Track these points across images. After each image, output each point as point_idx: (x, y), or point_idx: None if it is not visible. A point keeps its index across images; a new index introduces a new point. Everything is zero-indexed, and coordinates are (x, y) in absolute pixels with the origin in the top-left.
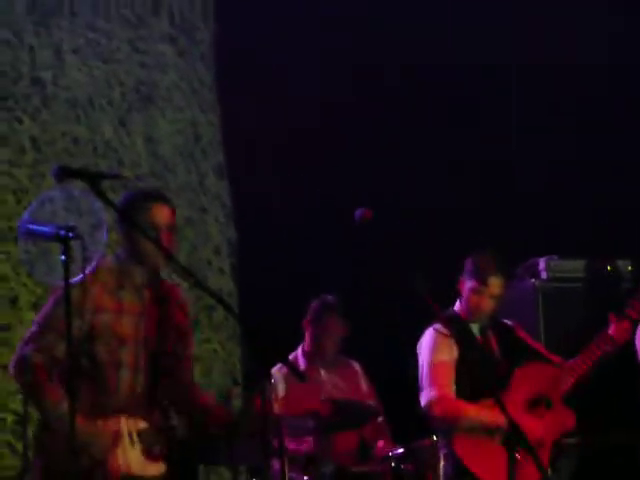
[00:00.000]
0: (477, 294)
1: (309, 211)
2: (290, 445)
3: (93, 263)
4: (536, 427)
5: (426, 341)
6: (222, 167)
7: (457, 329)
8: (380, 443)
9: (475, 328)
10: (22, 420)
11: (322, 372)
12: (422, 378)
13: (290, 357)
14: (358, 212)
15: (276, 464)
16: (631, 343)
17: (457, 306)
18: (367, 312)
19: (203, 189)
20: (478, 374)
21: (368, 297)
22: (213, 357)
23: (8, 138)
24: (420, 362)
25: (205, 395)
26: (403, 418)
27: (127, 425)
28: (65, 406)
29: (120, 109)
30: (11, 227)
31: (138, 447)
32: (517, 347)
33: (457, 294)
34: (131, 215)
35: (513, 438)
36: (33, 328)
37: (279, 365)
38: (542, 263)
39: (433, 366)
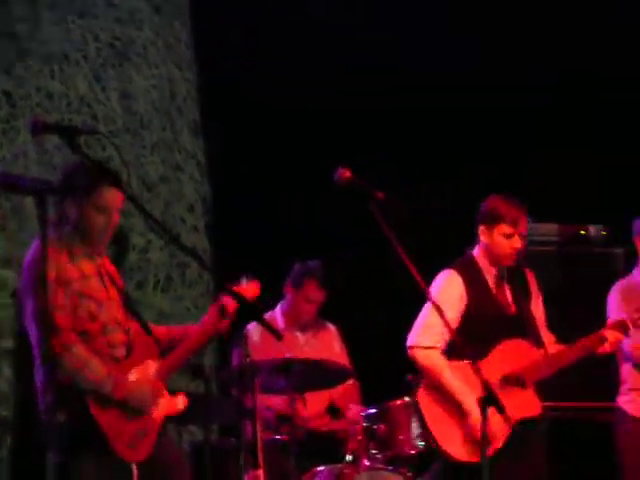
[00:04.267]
0: (508, 237)
1: (286, 168)
2: (262, 404)
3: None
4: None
5: (438, 282)
6: (197, 124)
7: (471, 277)
8: (351, 406)
9: (490, 276)
10: None
11: (297, 333)
12: (420, 315)
13: (267, 315)
14: (336, 171)
15: (248, 424)
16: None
17: (476, 251)
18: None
19: (178, 146)
20: (482, 329)
21: (346, 262)
22: (186, 315)
23: None
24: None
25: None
26: (376, 380)
27: (150, 369)
28: (114, 372)
29: (95, 64)
30: None
31: (163, 387)
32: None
33: (473, 240)
34: (83, 190)
35: (489, 403)
36: (39, 321)
37: (254, 323)
38: None
39: (434, 310)
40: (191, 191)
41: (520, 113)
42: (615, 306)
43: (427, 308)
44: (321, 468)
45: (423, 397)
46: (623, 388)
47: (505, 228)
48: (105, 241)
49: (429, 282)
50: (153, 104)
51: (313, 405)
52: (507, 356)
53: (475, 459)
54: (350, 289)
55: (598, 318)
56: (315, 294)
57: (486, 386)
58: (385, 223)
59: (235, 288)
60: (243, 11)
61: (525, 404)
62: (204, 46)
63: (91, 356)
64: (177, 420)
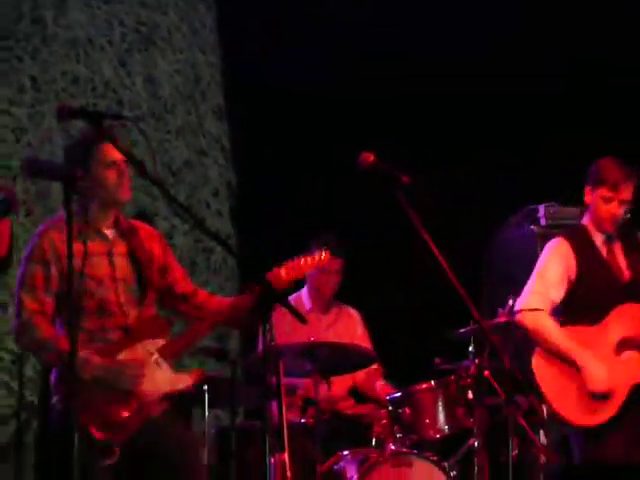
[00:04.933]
0: (607, 202)
1: (310, 154)
2: (287, 388)
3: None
4: (609, 372)
5: (549, 247)
6: (222, 109)
7: (579, 243)
8: (377, 384)
9: (600, 241)
10: (18, 359)
11: (322, 316)
12: (530, 279)
13: (294, 296)
14: (360, 156)
15: (274, 406)
16: None
17: (585, 219)
18: (370, 256)
19: (202, 131)
20: (595, 296)
21: (370, 240)
22: None
23: (8, 77)
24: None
25: (214, 297)
26: (401, 365)
27: (144, 350)
28: (84, 351)
29: (120, 49)
30: (9, 166)
31: (165, 365)
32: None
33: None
34: (85, 154)
35: None
36: (17, 296)
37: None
38: (541, 210)
39: (543, 274)
40: (216, 175)
41: (532, 100)
42: None
43: (535, 273)
44: (346, 452)
45: (537, 362)
46: None
47: (605, 192)
48: (124, 197)
49: (452, 265)
50: (177, 89)
51: (336, 388)
52: (622, 321)
53: (589, 422)
54: (374, 274)
55: None
56: (332, 266)
57: None
58: (410, 207)
59: (268, 275)
60: None
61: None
62: (228, 30)
63: (50, 338)
64: (203, 404)
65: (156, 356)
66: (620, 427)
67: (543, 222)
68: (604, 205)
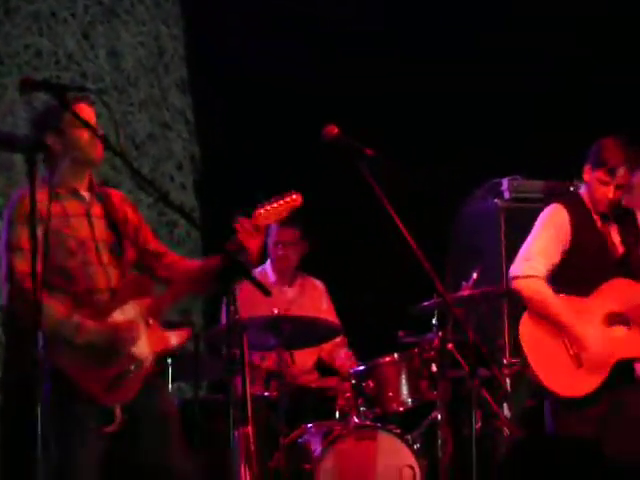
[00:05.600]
0: (604, 184)
1: (274, 127)
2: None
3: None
4: (599, 343)
5: (544, 214)
6: (185, 82)
7: (577, 211)
8: (343, 352)
9: (596, 214)
10: None
11: (286, 289)
12: (523, 247)
13: (259, 269)
14: (324, 128)
15: (238, 380)
16: None
17: (583, 190)
18: (335, 228)
19: (166, 104)
20: (587, 266)
21: (335, 213)
22: None
23: None
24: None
25: (183, 259)
26: (365, 337)
27: (134, 309)
28: (77, 316)
29: (83, 22)
30: None
31: (155, 324)
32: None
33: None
34: (57, 116)
35: None
36: (4, 259)
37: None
38: (505, 183)
39: (538, 241)
40: (179, 149)
41: (517, 98)
42: None
43: (530, 239)
44: (310, 425)
45: (524, 328)
46: None
47: (601, 175)
48: (98, 155)
49: (419, 242)
50: (140, 61)
51: (301, 362)
52: (612, 295)
53: (572, 394)
54: (338, 246)
55: None
56: (290, 238)
57: None
58: (373, 180)
59: (230, 244)
60: None
61: (629, 344)
62: (191, 2)
63: (47, 302)
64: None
65: (146, 316)
66: (596, 402)
67: (507, 195)
68: (601, 187)
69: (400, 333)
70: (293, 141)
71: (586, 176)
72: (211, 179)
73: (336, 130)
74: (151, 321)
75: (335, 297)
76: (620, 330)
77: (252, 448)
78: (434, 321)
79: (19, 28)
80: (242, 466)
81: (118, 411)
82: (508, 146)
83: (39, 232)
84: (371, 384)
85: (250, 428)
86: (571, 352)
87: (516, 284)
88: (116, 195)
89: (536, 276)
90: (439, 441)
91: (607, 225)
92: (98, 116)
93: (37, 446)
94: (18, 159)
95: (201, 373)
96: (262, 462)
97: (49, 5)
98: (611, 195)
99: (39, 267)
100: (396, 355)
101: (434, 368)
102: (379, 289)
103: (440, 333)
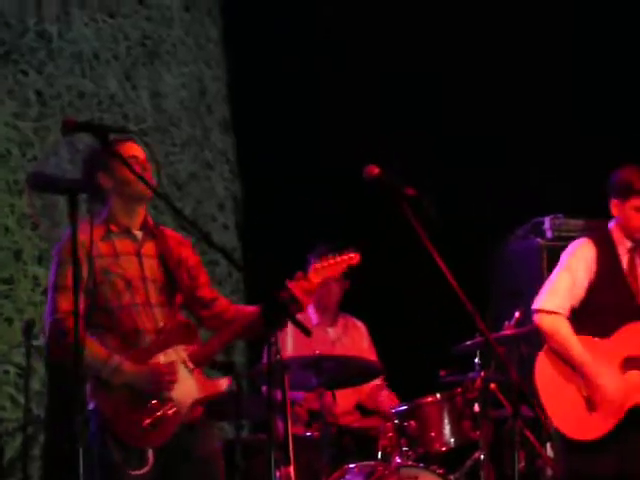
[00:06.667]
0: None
1: (316, 167)
2: (293, 401)
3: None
4: (614, 387)
5: (573, 247)
6: (227, 122)
7: (604, 251)
8: (384, 394)
9: (624, 252)
10: (24, 373)
11: (329, 329)
12: (549, 279)
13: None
14: (365, 168)
15: (280, 420)
16: None
17: (612, 224)
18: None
19: (208, 144)
20: (606, 308)
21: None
22: None
23: (14, 91)
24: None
25: (234, 306)
26: (406, 378)
27: (176, 355)
28: (117, 358)
29: (125, 63)
30: (16, 180)
31: (196, 371)
32: None
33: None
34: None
35: None
36: (49, 298)
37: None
38: (547, 222)
39: (565, 274)
40: (221, 189)
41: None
42: None
43: (556, 273)
44: (352, 465)
45: (540, 364)
46: None
47: (637, 201)
48: (146, 192)
49: (460, 281)
50: (182, 102)
51: (343, 402)
52: (632, 338)
53: (581, 436)
54: (380, 286)
55: None
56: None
57: None
58: (415, 219)
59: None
60: (272, 8)
61: None
62: (233, 43)
63: (87, 341)
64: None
65: (188, 362)
66: (608, 448)
67: (549, 235)
68: (637, 215)
69: (441, 372)
70: (335, 181)
71: (615, 210)
72: (253, 220)
73: (377, 170)
74: (191, 365)
75: (377, 336)
76: (636, 375)
77: None
78: (476, 360)
79: (62, 69)
80: None
81: (150, 453)
82: (551, 184)
83: (84, 271)
84: (413, 424)
85: (292, 468)
86: (584, 394)
87: (538, 319)
88: (173, 236)
89: (559, 313)
90: None
91: (634, 258)
92: None
93: None
94: (61, 201)
95: (243, 412)
96: None
97: (92, 46)
98: None
99: (81, 306)
100: (438, 395)
101: (477, 408)
102: (421, 328)
103: (482, 373)
